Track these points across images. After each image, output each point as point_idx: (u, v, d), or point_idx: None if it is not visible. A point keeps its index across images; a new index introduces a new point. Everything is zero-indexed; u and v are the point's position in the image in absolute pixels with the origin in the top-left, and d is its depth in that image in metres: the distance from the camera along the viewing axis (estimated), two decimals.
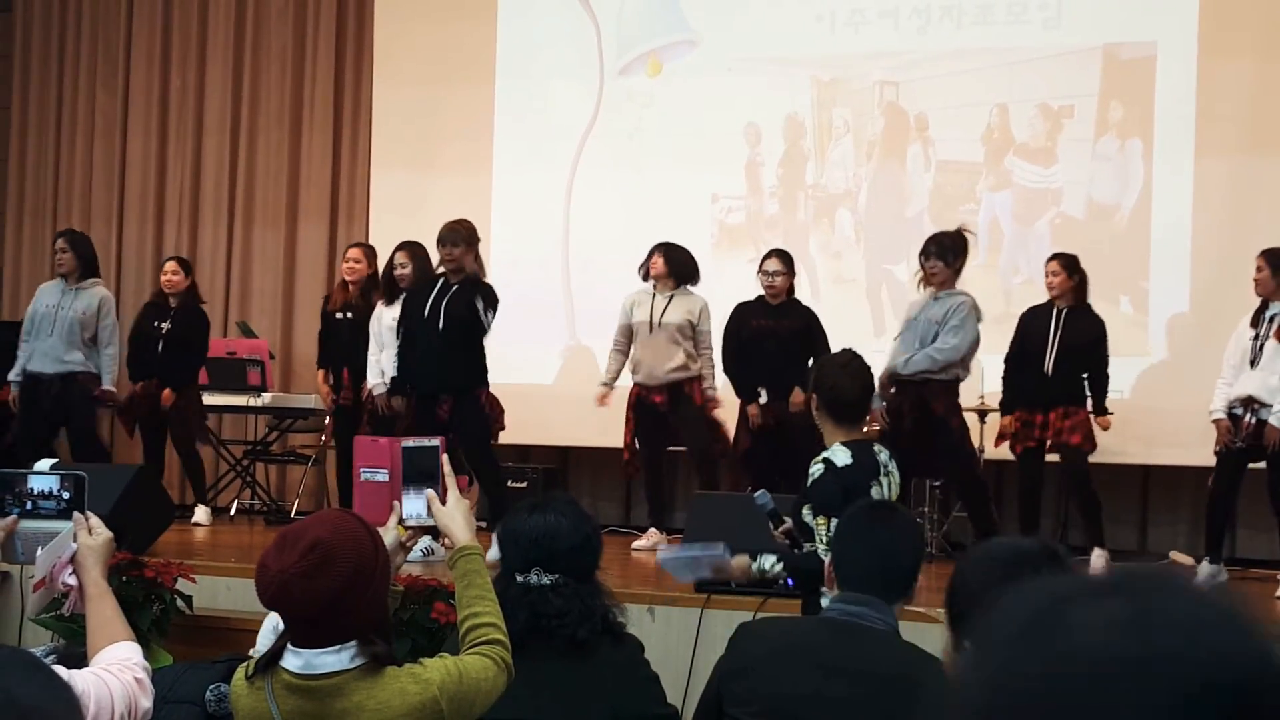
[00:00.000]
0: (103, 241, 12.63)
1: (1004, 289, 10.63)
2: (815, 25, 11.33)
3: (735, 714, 3.72)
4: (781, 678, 3.69)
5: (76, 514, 3.43)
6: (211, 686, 5.20)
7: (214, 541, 10.09)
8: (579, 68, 11.88)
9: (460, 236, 9.09)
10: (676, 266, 9.80)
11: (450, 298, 9.02)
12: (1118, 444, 9.28)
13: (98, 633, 3.25)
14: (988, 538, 8.56)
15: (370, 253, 10.64)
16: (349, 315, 10.52)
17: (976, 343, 8.97)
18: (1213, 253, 10.09)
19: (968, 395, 9.41)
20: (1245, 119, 10.35)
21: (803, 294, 10.00)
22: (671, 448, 10.02)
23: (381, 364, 9.91)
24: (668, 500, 10.26)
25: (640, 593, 7.39)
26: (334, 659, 3.06)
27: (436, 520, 3.61)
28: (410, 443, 3.76)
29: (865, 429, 5.86)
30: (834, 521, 5.19)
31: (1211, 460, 8.85)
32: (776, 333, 9.42)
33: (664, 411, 9.69)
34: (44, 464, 3.72)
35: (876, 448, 5.51)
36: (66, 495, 3.51)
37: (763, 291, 9.65)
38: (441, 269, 9.21)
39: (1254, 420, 8.49)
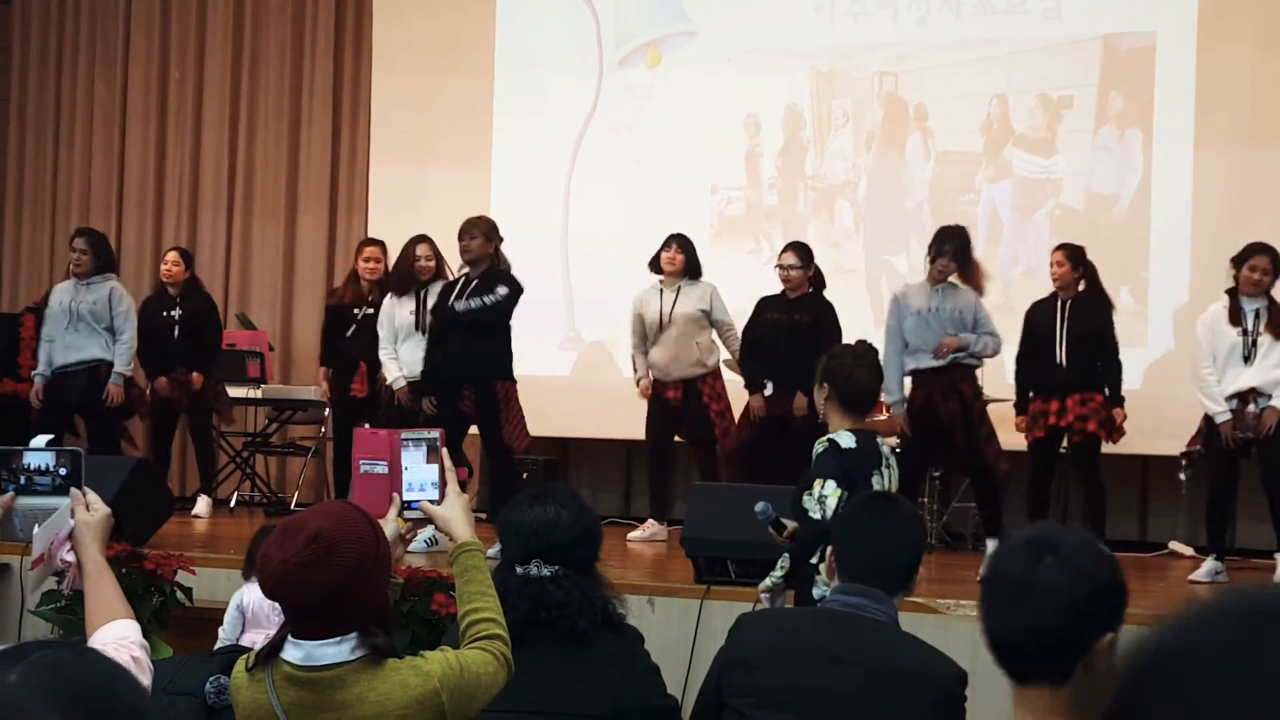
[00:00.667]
0: None
1: (1003, 280, 10.62)
2: (814, 16, 11.32)
3: (735, 705, 3.72)
4: (781, 669, 3.69)
5: (74, 490, 3.41)
6: (211, 678, 5.19)
7: (214, 533, 10.10)
8: (578, 59, 11.88)
9: (478, 229, 9.08)
10: (692, 260, 9.79)
11: (471, 291, 9.01)
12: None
13: (96, 610, 3.23)
14: (992, 524, 8.65)
15: (385, 250, 10.57)
16: (370, 311, 10.38)
17: None
18: (1212, 243, 10.07)
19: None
20: (1245, 109, 10.35)
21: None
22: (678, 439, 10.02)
23: (402, 358, 9.83)
24: (669, 492, 10.24)
25: (640, 584, 7.40)
26: (335, 651, 3.05)
27: (434, 517, 3.60)
28: (409, 434, 3.75)
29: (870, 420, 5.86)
30: (829, 483, 5.23)
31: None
32: (787, 326, 9.40)
33: (677, 407, 9.69)
34: (39, 440, 3.69)
35: (879, 439, 5.53)
36: (63, 471, 3.49)
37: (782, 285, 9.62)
38: (464, 268, 9.20)
39: (1257, 410, 8.49)
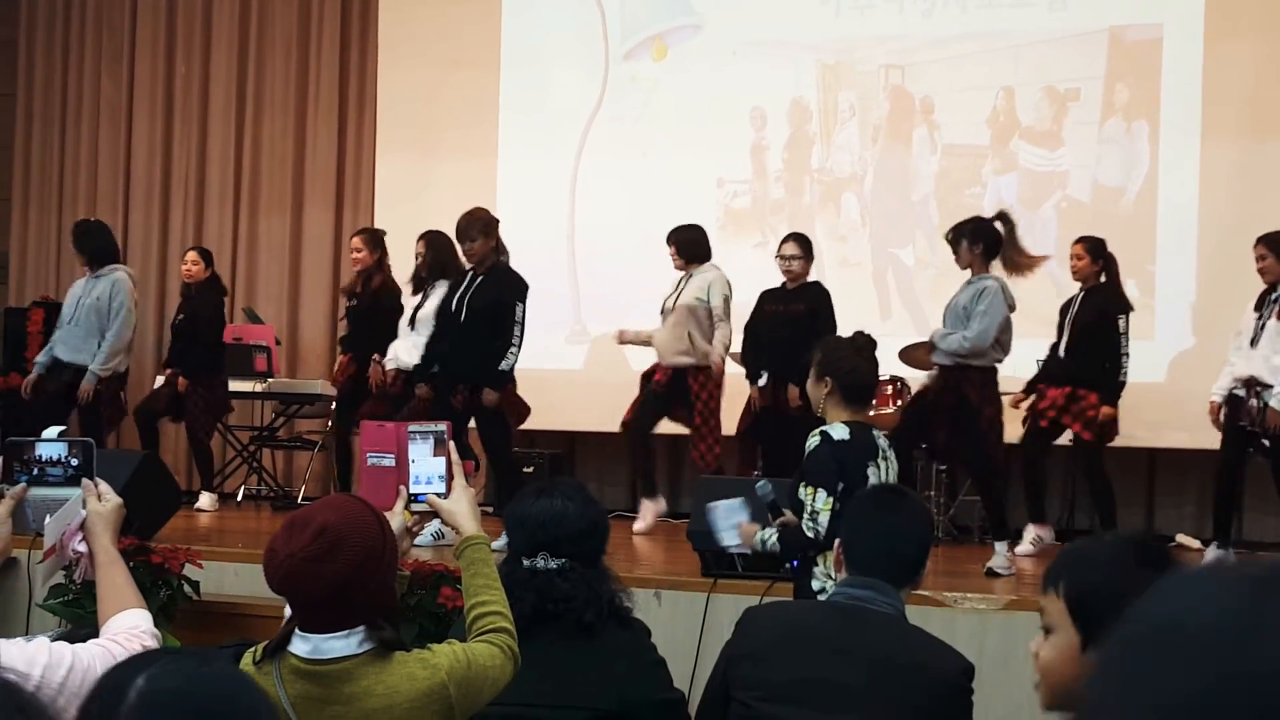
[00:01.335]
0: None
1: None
2: (820, 9, 11.31)
3: (742, 698, 3.72)
4: (788, 662, 3.69)
5: (85, 480, 3.42)
6: None
7: (221, 527, 10.10)
8: (584, 52, 11.88)
9: (477, 228, 9.02)
10: (685, 249, 9.73)
11: (474, 291, 8.99)
12: (1124, 428, 9.24)
13: (108, 600, 3.24)
14: (998, 527, 8.60)
15: (370, 239, 10.52)
16: (354, 302, 10.50)
17: (1006, 324, 8.75)
18: (1219, 236, 10.08)
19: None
20: (1251, 101, 10.34)
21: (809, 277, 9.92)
22: (672, 430, 9.97)
23: (397, 350, 9.89)
24: (672, 483, 10.20)
25: (647, 577, 7.40)
26: (342, 644, 3.05)
27: (441, 511, 3.61)
28: (416, 427, 3.75)
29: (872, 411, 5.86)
30: (820, 493, 5.24)
31: (1217, 443, 8.83)
32: (783, 317, 9.40)
33: (660, 392, 9.62)
34: (51, 431, 3.69)
35: (876, 432, 5.53)
36: (75, 462, 3.50)
37: (783, 277, 9.61)
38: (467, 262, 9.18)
39: (1258, 404, 8.46)
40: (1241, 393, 8.55)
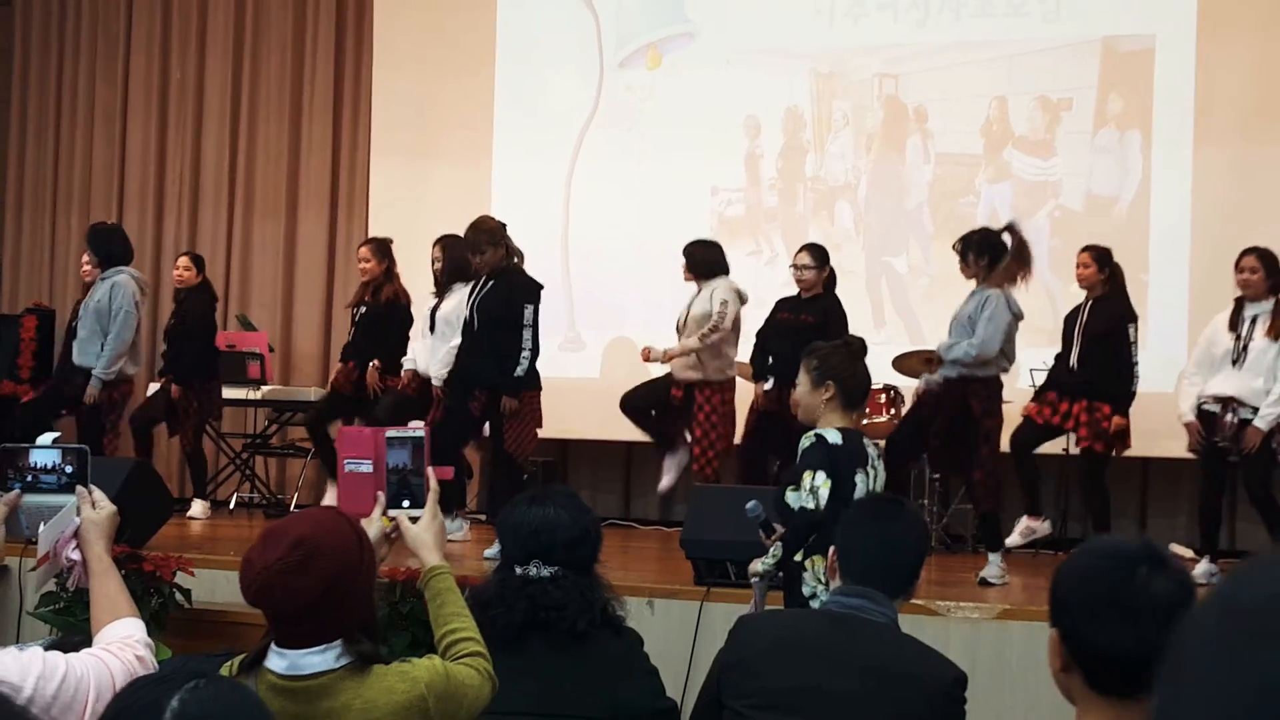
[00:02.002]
0: None
1: None
2: (814, 18, 11.32)
3: (735, 706, 3.72)
4: (781, 670, 3.69)
5: (79, 488, 3.40)
6: None
7: (213, 535, 10.10)
8: (579, 59, 11.88)
9: (485, 239, 8.97)
10: (695, 266, 9.67)
11: (484, 295, 8.98)
12: None
13: (101, 609, 3.23)
14: (991, 537, 8.60)
15: (378, 248, 10.51)
16: (363, 310, 10.47)
17: (1011, 333, 8.73)
18: (1212, 244, 10.08)
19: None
20: (1244, 111, 10.35)
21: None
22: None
23: (415, 353, 9.93)
24: (674, 494, 10.17)
25: (640, 585, 7.39)
26: (319, 659, 3.01)
27: (407, 536, 3.59)
28: (394, 432, 3.74)
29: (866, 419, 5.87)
30: (819, 473, 5.26)
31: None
32: (793, 326, 9.35)
33: (676, 406, 9.63)
34: (46, 438, 3.68)
35: (866, 441, 5.54)
36: (69, 469, 3.48)
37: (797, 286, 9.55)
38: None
39: (1235, 420, 8.45)
40: (1215, 409, 8.52)
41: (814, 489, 5.31)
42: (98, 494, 3.39)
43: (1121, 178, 10.71)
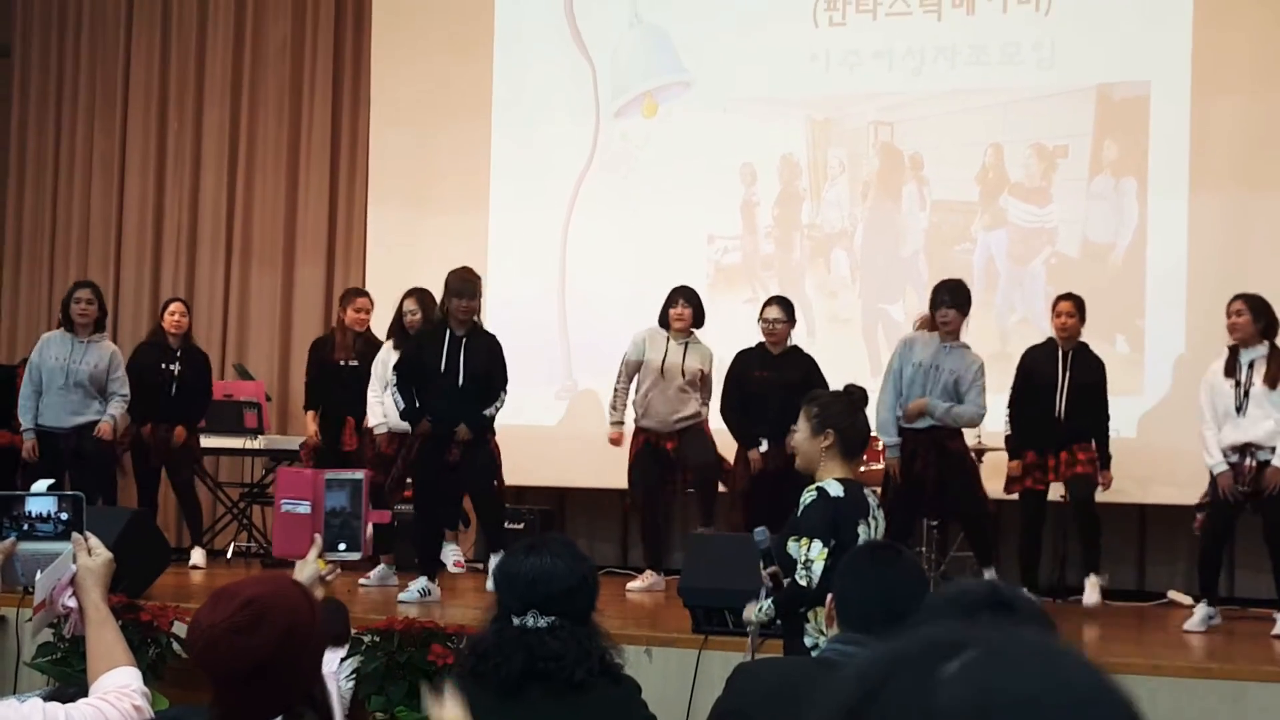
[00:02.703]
0: (99, 284, 12.61)
1: (999, 328, 10.65)
2: (810, 65, 11.37)
3: None
4: (778, 718, 3.68)
5: (75, 535, 3.39)
6: None
7: (210, 584, 10.06)
8: (575, 108, 11.92)
9: (477, 289, 9.09)
10: (698, 313, 9.81)
11: (467, 351, 9.00)
12: (1115, 483, 9.27)
13: (98, 657, 3.20)
14: (987, 561, 8.66)
15: (372, 302, 10.74)
16: (355, 364, 10.50)
17: None
18: (1209, 291, 10.09)
19: (966, 435, 9.39)
20: (1239, 157, 10.38)
21: (799, 334, 9.95)
22: (671, 483, 9.99)
23: (386, 408, 9.91)
24: (665, 541, 10.23)
25: (638, 634, 7.38)
26: None
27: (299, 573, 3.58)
28: (333, 475, 3.74)
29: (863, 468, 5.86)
30: (815, 543, 5.24)
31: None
32: (778, 384, 9.37)
33: (674, 458, 9.69)
34: (40, 485, 3.67)
35: (866, 491, 5.53)
36: (64, 516, 3.48)
37: (763, 338, 9.63)
38: (438, 315, 9.18)
39: (1254, 463, 8.46)
40: (1234, 458, 8.52)
41: (808, 563, 5.28)
42: (93, 541, 3.38)
43: (1117, 224, 10.73)
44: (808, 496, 5.40)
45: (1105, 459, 9.08)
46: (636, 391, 9.84)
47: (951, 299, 8.97)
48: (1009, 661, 1.08)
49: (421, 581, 8.95)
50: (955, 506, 9.21)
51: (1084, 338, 9.27)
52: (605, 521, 11.80)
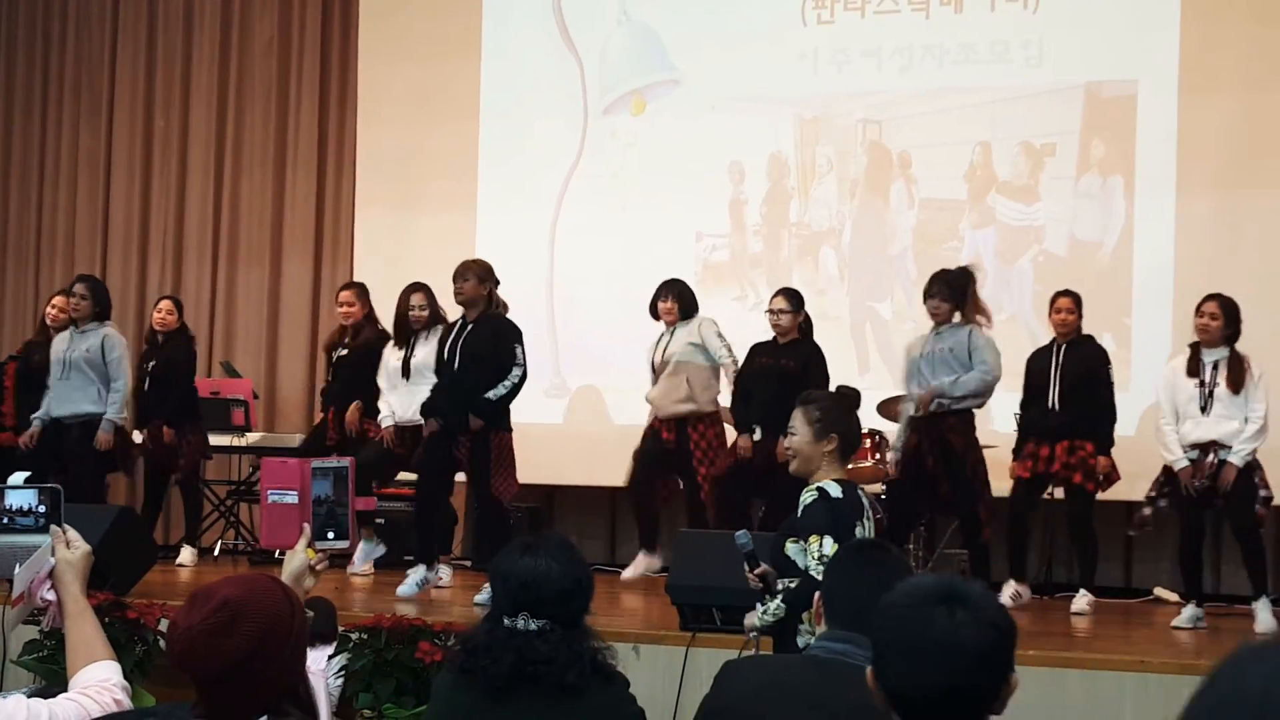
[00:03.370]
0: None
1: None
2: (798, 64, 11.37)
3: None
4: (766, 716, 3.68)
5: (54, 527, 3.37)
6: None
7: (198, 582, 10.00)
8: (563, 107, 11.91)
9: (472, 271, 9.06)
10: (685, 305, 9.82)
11: (467, 337, 9.00)
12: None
13: (77, 652, 3.19)
14: (980, 572, 8.67)
15: (361, 293, 10.59)
16: (344, 353, 10.50)
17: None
18: (1196, 289, 10.05)
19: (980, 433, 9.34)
20: (1226, 155, 10.40)
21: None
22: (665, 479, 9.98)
23: (392, 404, 9.92)
24: (658, 529, 10.20)
25: (625, 631, 7.37)
26: None
27: (288, 565, 3.57)
28: (319, 463, 3.73)
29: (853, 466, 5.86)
30: (827, 539, 5.22)
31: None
32: (775, 371, 9.40)
33: (670, 449, 9.67)
34: (17, 478, 3.65)
35: (860, 490, 5.53)
36: (43, 509, 3.46)
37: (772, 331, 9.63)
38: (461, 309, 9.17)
39: (1216, 460, 8.53)
40: (1194, 455, 8.58)
41: (823, 558, 5.27)
42: (72, 534, 3.36)
43: (1104, 223, 10.74)
44: (808, 497, 5.38)
45: (1104, 448, 9.06)
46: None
47: (936, 289, 9.06)
48: None
49: (420, 572, 8.94)
50: (953, 505, 9.22)
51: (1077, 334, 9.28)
52: (594, 519, 11.80)
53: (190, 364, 10.94)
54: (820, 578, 5.25)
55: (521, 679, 3.77)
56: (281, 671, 2.85)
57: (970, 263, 9.53)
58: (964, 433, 8.99)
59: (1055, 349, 9.20)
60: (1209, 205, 10.42)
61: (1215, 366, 8.58)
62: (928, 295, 9.11)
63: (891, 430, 9.58)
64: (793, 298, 9.61)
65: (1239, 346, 8.63)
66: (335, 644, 6.88)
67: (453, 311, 9.46)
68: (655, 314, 9.86)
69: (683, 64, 11.70)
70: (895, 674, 2.43)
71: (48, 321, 10.87)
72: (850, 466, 5.75)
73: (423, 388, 9.44)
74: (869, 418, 9.40)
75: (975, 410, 9.07)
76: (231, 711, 2.83)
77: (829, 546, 5.26)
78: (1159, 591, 10.07)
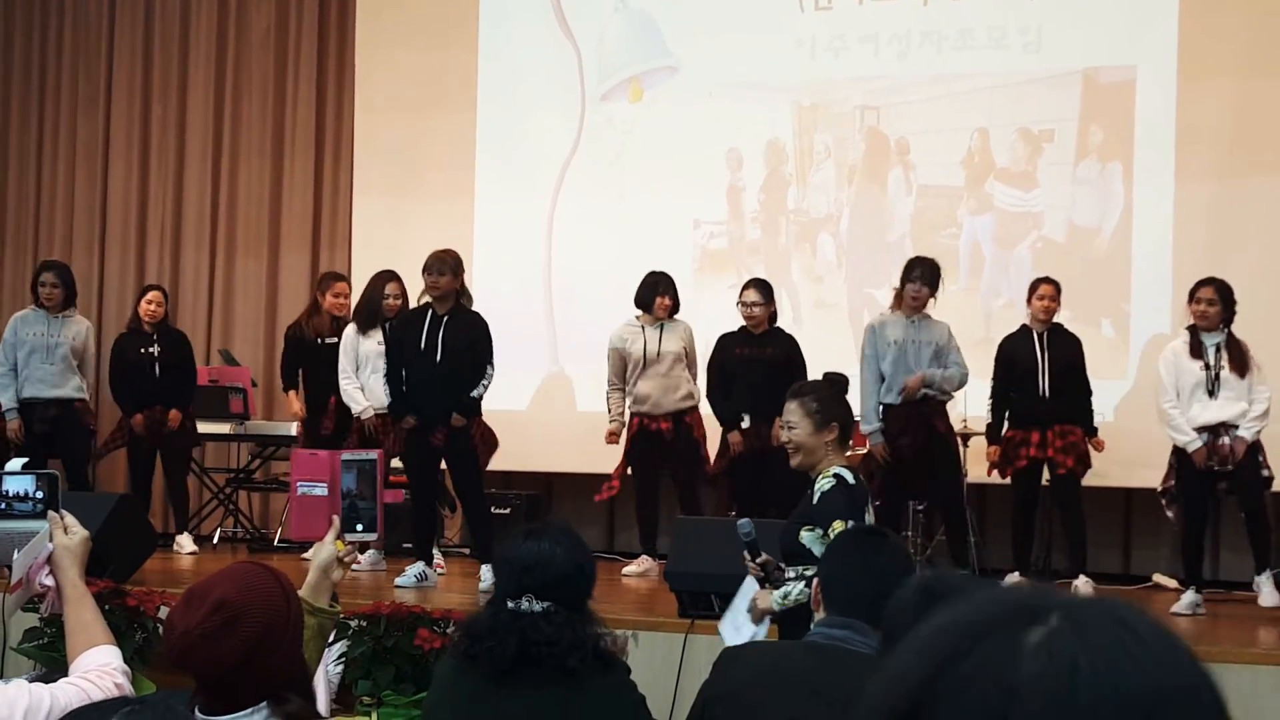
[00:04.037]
0: (84, 271, 12.64)
1: (985, 312, 10.67)
2: (796, 50, 11.36)
3: None
4: (765, 702, 3.69)
5: (51, 513, 3.37)
6: None
7: (197, 569, 10.06)
8: (561, 94, 11.90)
9: (447, 265, 9.08)
10: (677, 300, 9.93)
11: (446, 330, 9.01)
12: (1100, 467, 9.30)
13: (77, 636, 3.19)
14: (961, 561, 8.71)
15: (350, 287, 10.75)
16: (334, 341, 10.52)
17: None
18: (1193, 275, 10.05)
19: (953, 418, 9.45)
20: (1225, 142, 10.39)
21: (784, 319, 10.04)
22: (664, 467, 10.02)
23: (370, 389, 9.93)
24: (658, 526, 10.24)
25: (624, 618, 7.38)
26: None
27: (316, 561, 3.57)
28: (349, 455, 3.73)
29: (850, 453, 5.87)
30: (850, 525, 5.22)
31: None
32: (760, 360, 9.46)
33: (669, 440, 9.73)
34: (15, 464, 3.65)
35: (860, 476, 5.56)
36: (40, 495, 3.46)
37: (744, 321, 9.68)
38: (425, 299, 9.17)
39: (1229, 441, 8.55)
40: (1207, 438, 8.60)
41: None
42: (69, 519, 3.36)
43: (1103, 209, 10.74)
44: (825, 484, 5.37)
45: (1091, 429, 9.16)
46: (629, 384, 9.90)
47: (923, 275, 9.13)
48: (1093, 631, 1.04)
49: (419, 566, 8.95)
50: (939, 491, 9.27)
51: (1067, 321, 9.36)
52: (592, 506, 11.78)
53: (192, 353, 11.20)
54: None
55: (525, 661, 3.80)
56: (280, 663, 2.87)
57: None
58: (945, 417, 9.16)
59: (1038, 336, 9.23)
60: (1207, 191, 10.41)
61: (1217, 349, 8.60)
62: (913, 278, 9.16)
63: None
64: (764, 289, 9.70)
65: (1236, 329, 8.66)
66: (335, 631, 6.88)
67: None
68: (647, 306, 9.88)
69: (680, 50, 11.69)
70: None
71: (144, 316, 10.95)
72: (847, 454, 5.76)
73: (373, 378, 9.58)
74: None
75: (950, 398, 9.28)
76: (231, 701, 2.84)
77: None
78: (1157, 578, 10.08)
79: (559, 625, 3.85)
